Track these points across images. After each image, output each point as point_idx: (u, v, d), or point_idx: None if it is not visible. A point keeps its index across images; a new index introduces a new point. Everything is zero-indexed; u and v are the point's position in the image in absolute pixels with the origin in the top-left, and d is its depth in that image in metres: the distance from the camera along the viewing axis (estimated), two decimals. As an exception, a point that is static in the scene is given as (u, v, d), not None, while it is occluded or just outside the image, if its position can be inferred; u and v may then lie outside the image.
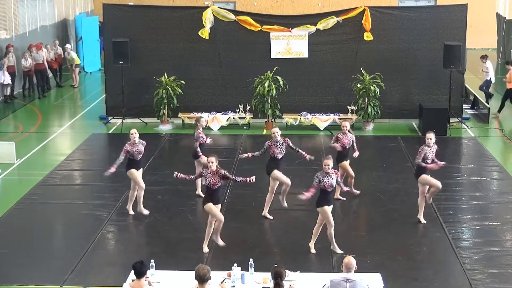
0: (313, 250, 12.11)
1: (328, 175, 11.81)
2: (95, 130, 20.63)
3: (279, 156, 13.47)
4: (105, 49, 31.33)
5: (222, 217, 11.97)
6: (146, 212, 13.74)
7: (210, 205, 11.85)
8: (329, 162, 11.88)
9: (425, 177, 13.22)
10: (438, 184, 13.31)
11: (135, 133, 13.53)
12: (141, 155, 13.58)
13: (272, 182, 13.58)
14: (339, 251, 12.00)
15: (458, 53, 19.99)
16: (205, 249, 12.12)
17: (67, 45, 27.65)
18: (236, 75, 21.07)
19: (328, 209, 11.87)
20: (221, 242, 12.11)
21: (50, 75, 26.29)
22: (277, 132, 13.51)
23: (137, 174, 13.56)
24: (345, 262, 8.92)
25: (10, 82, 23.42)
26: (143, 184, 13.64)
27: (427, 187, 13.33)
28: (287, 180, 13.59)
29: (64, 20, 30.30)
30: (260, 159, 15.50)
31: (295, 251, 12.33)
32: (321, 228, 12.12)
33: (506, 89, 22.06)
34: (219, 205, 12.08)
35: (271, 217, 13.70)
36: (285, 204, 13.81)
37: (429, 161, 13.10)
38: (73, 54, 27.19)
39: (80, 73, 27.66)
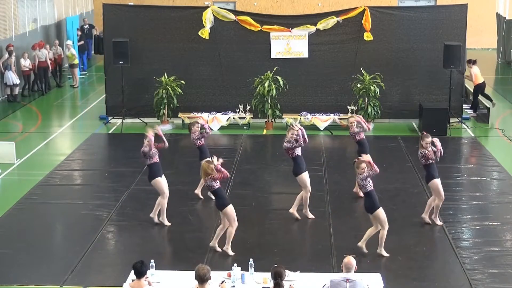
0: (365, 250, 12.05)
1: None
2: (95, 130, 20.61)
3: (300, 153, 13.37)
4: (88, 52, 31.16)
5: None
6: (167, 223, 13.26)
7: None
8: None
9: (436, 182, 13.12)
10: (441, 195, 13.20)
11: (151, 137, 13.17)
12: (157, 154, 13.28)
13: (301, 182, 13.40)
14: (385, 254, 11.95)
15: (458, 53, 19.97)
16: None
17: (69, 41, 27.56)
18: (236, 75, 21.05)
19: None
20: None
21: (50, 75, 26.24)
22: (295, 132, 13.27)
23: (163, 183, 13.19)
24: (344, 262, 8.92)
25: (18, 82, 23.40)
26: (167, 192, 13.24)
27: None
28: (309, 186, 13.45)
29: (63, 21, 30.25)
30: (259, 159, 15.50)
31: (295, 251, 12.34)
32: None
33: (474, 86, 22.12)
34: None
35: (298, 216, 13.59)
36: (311, 216, 13.63)
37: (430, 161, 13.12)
38: (73, 51, 27.03)
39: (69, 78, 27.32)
